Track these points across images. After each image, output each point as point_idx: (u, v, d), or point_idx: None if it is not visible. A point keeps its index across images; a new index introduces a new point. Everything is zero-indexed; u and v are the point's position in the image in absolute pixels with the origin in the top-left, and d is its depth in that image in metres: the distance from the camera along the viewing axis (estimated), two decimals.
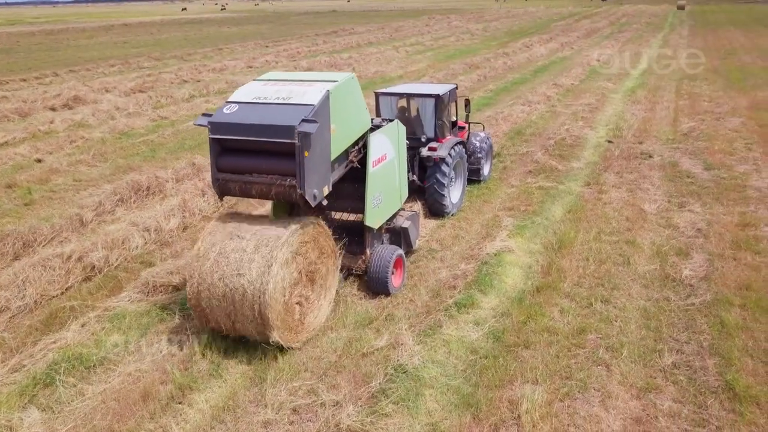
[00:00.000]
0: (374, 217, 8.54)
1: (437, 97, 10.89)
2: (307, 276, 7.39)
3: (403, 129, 9.30)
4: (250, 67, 33.14)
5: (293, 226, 7.09)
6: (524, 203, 11.73)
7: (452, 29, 56.21)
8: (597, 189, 12.38)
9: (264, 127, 6.82)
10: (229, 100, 7.35)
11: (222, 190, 7.37)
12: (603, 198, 11.87)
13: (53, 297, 8.72)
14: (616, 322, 7.65)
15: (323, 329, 7.70)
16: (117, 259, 9.65)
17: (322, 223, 7.64)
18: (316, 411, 6.23)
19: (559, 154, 14.81)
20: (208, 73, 30.91)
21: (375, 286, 8.43)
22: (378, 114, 11.44)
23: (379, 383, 6.53)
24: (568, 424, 5.92)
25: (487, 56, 33.72)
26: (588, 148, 15.47)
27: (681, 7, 73.66)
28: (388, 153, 8.81)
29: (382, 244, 8.95)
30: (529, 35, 46.78)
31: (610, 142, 15.89)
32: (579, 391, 6.40)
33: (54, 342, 7.52)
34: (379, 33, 53.15)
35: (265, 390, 6.56)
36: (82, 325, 7.92)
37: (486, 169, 12.99)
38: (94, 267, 9.31)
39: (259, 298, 6.66)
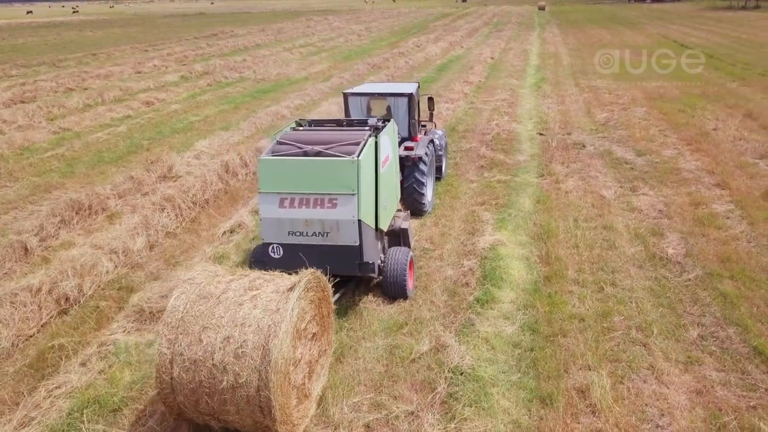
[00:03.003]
0: (384, 219, 8.35)
1: (410, 96, 10.83)
2: (310, 351, 6.10)
3: (396, 129, 9.18)
4: (139, 72, 31.08)
5: (296, 290, 5.60)
6: (492, 197, 11.98)
7: (335, 30, 56.21)
8: (552, 179, 12.93)
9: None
10: (265, 240, 7.67)
11: None
12: (562, 187, 12.41)
13: (30, 336, 7.66)
14: (632, 303, 8.04)
15: (357, 339, 7.41)
16: (90, 287, 8.65)
17: (323, 277, 6.20)
18: (393, 424, 5.97)
19: (502, 148, 15.29)
20: (93, 80, 28.56)
21: (393, 290, 8.22)
22: (347, 115, 11.18)
23: (444, 388, 6.39)
24: (641, 404, 6.13)
25: (385, 56, 34.06)
26: (524, 141, 16.11)
27: (542, 8, 78.88)
28: (390, 154, 8.66)
29: (386, 247, 8.76)
30: (414, 35, 47.88)
31: (541, 134, 16.66)
32: (632, 372, 6.65)
33: (58, 387, 6.60)
34: (262, 35, 51.93)
35: (327, 409, 6.18)
36: (82, 365, 7.03)
37: (444, 166, 13.12)
38: (68, 298, 8.28)
39: (258, 384, 5.26)
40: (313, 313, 6.07)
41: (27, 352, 7.35)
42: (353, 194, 7.37)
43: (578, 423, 5.92)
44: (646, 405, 6.14)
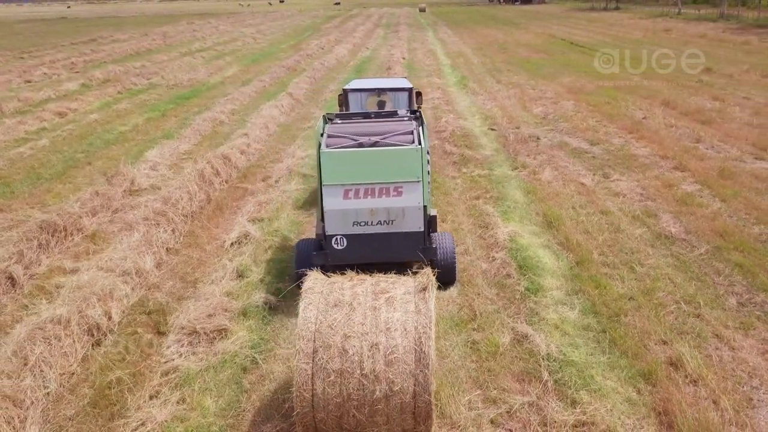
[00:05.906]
0: (429, 206, 8.40)
1: (410, 91, 10.85)
2: None
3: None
4: (29, 81, 28.33)
5: (431, 289, 5.52)
6: (483, 191, 12.24)
7: (224, 34, 54.51)
8: (528, 171, 13.43)
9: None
10: (328, 232, 7.69)
11: None
12: (540, 179, 12.94)
13: (72, 374, 6.82)
14: (666, 279, 8.58)
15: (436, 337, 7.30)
16: (116, 314, 7.83)
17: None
18: (518, 416, 5.98)
19: (464, 144, 15.62)
20: None
21: (444, 275, 8.15)
22: (346, 110, 10.97)
23: (549, 376, 6.50)
24: (730, 370, 6.59)
25: (294, 58, 33.58)
26: (480, 136, 16.58)
27: (422, 9, 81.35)
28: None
29: None
30: (311, 37, 47.57)
31: (492, 129, 17.24)
32: (703, 342, 7.12)
33: (142, 424, 5.95)
34: (148, 39, 49.15)
35: (444, 410, 6.07)
36: (153, 397, 6.39)
37: None
38: (99, 327, 7.45)
39: (415, 389, 5.07)
40: None
41: (79, 392, 6.54)
42: (418, 181, 7.55)
43: (685, 393, 6.25)
44: (735, 369, 6.61)
